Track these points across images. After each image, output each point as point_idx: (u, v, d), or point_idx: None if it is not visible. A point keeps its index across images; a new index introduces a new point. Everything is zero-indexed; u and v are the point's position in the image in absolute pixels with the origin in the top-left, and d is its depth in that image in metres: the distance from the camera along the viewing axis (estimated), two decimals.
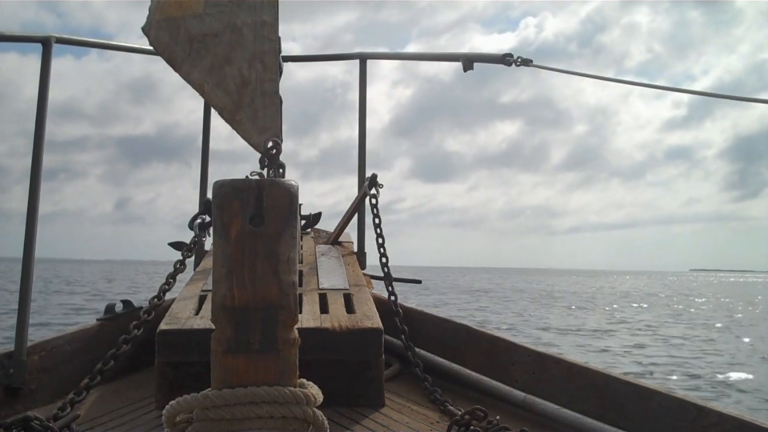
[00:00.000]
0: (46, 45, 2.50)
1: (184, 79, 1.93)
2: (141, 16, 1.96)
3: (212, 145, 3.61)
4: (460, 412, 2.07)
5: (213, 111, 3.52)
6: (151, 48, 3.05)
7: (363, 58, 3.53)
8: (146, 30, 1.90)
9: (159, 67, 1.96)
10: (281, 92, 2.02)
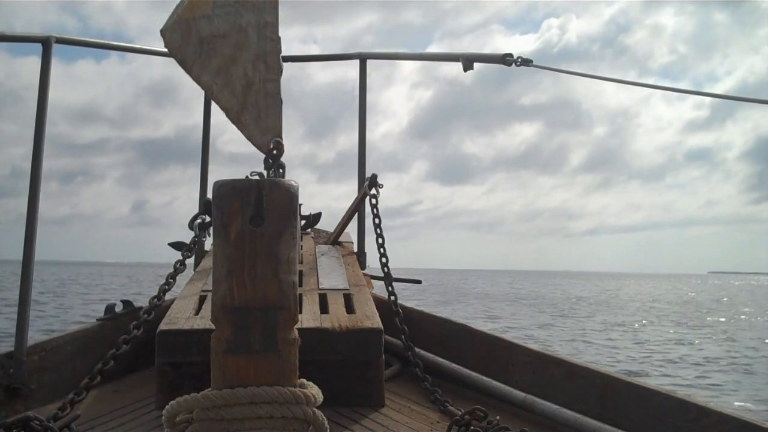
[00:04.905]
0: (46, 45, 2.50)
1: (195, 81, 1.94)
2: (160, 19, 1.97)
3: (231, 148, 3.65)
4: (460, 412, 2.07)
5: (213, 111, 3.53)
6: (151, 48, 3.06)
7: (363, 58, 3.53)
8: (163, 32, 1.91)
9: (179, 69, 1.97)
10: (286, 92, 2.03)
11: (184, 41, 1.87)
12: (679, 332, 21.30)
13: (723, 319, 27.55)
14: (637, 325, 23.32)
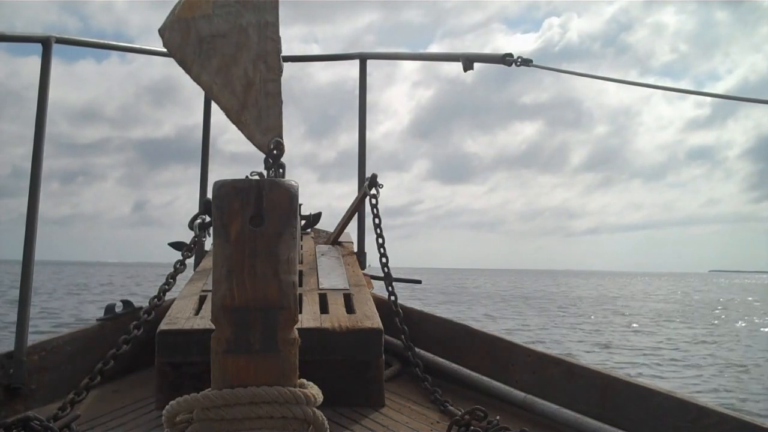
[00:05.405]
0: (46, 45, 2.50)
1: (194, 80, 1.94)
2: (161, 18, 1.97)
3: (231, 147, 3.65)
4: (460, 412, 2.07)
5: (213, 111, 3.53)
6: (151, 48, 3.06)
7: (363, 58, 3.53)
8: (162, 31, 1.91)
9: (180, 69, 1.96)
10: (287, 92, 2.03)
11: (183, 41, 1.87)
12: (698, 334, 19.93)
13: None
14: (651, 327, 21.95)
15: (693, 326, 22.59)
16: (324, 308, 2.57)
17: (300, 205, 2.14)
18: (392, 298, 2.75)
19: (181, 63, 1.90)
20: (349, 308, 2.59)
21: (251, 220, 1.28)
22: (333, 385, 1.76)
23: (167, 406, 1.34)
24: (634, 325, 22.42)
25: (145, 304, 2.36)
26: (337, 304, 2.60)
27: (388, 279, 2.82)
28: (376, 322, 2.41)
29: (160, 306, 2.26)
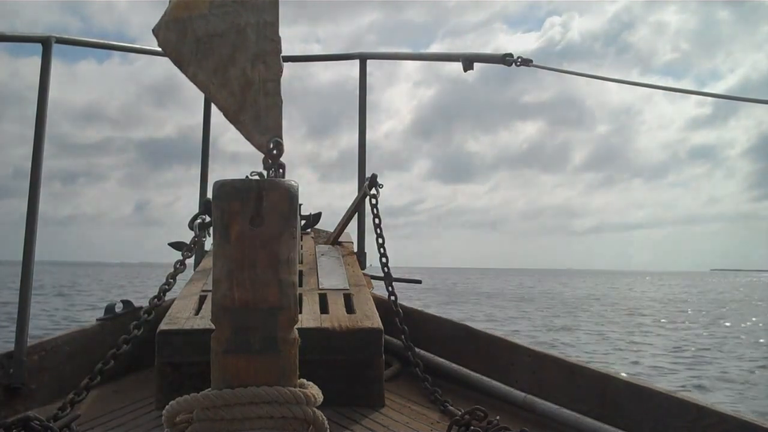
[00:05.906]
0: (46, 45, 2.51)
1: (191, 80, 1.94)
2: None
3: (233, 147, 3.65)
4: (460, 412, 2.07)
5: (213, 111, 3.54)
6: (151, 48, 3.07)
7: (363, 58, 3.54)
8: (156, 31, 1.91)
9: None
10: (288, 92, 2.02)
11: (179, 40, 1.87)
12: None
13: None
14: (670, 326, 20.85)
15: None
16: (324, 308, 2.57)
17: (300, 205, 2.14)
18: (392, 298, 2.76)
19: (177, 63, 1.90)
20: (349, 308, 2.59)
21: (251, 220, 1.29)
22: (333, 385, 1.76)
23: (167, 406, 1.34)
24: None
25: (145, 304, 2.36)
26: (337, 304, 2.60)
27: (388, 279, 2.82)
28: (376, 322, 2.42)
29: (160, 306, 2.27)
